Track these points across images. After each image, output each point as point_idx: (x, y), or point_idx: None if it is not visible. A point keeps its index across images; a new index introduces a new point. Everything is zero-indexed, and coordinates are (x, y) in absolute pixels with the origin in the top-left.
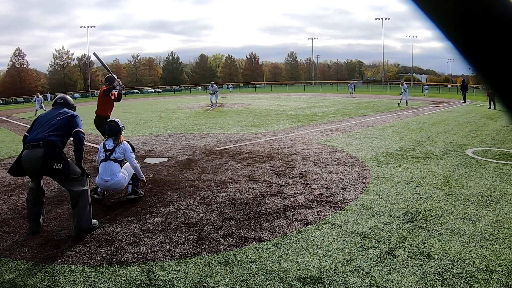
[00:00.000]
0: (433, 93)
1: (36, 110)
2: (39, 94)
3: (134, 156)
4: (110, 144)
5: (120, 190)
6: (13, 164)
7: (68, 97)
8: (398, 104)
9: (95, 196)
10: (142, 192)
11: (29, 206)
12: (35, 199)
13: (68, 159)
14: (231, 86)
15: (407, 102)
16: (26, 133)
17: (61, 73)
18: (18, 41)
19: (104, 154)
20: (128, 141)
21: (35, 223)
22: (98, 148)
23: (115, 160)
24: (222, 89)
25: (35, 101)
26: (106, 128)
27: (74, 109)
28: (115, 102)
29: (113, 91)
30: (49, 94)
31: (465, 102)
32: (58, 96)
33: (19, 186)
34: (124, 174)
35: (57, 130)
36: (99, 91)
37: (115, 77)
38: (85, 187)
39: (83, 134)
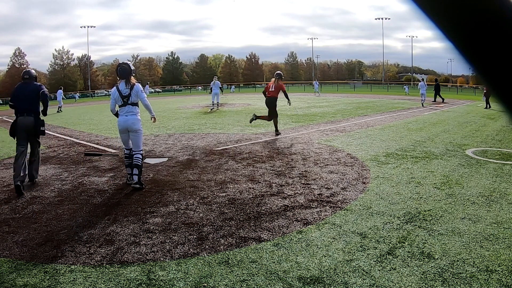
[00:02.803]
0: (433, 93)
1: (60, 106)
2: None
3: (146, 96)
4: (124, 90)
5: (133, 129)
6: (11, 128)
7: (31, 71)
8: (422, 105)
9: (128, 182)
10: (144, 185)
11: (16, 162)
12: (21, 157)
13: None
14: (232, 86)
15: (423, 101)
16: (10, 102)
17: (61, 73)
18: (18, 41)
19: (122, 101)
20: (139, 82)
21: (19, 175)
22: (98, 148)
23: (132, 104)
24: (223, 89)
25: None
26: (118, 69)
27: (35, 78)
28: None
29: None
30: (60, 91)
31: (443, 101)
32: (24, 72)
33: None
34: (140, 121)
35: (36, 102)
36: (271, 83)
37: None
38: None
39: (47, 91)
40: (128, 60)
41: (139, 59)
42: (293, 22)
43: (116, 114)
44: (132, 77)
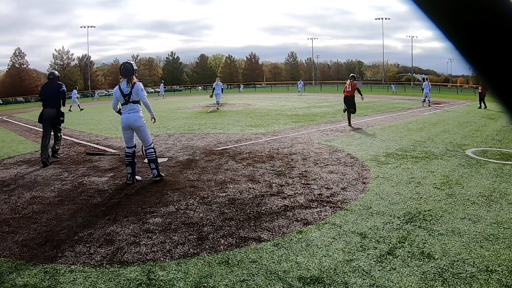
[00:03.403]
0: (433, 93)
1: (78, 104)
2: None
3: (146, 95)
4: (126, 88)
5: (136, 126)
6: (39, 116)
7: (55, 72)
8: (429, 105)
9: (128, 182)
10: (164, 175)
11: (42, 143)
12: (45, 138)
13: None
14: (241, 86)
15: (424, 101)
16: (39, 97)
17: (61, 73)
18: (18, 41)
19: (123, 99)
20: (140, 81)
21: (45, 154)
22: (98, 148)
23: (134, 102)
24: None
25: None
26: (121, 68)
27: (58, 77)
28: None
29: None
30: (75, 91)
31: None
32: (49, 73)
33: (19, 186)
34: (143, 118)
35: (58, 98)
36: (347, 83)
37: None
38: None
39: (65, 89)
40: (131, 60)
41: (139, 59)
42: (293, 22)
43: (119, 112)
44: (134, 76)
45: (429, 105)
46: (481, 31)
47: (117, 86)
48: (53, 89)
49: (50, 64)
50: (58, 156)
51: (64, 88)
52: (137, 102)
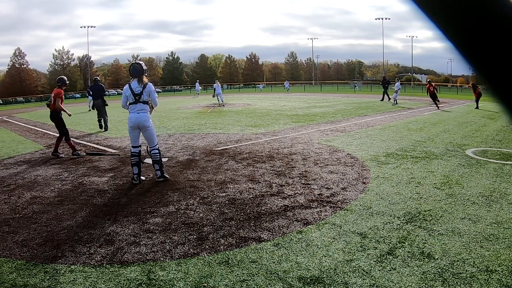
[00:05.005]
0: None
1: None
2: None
3: (157, 96)
4: (137, 88)
5: (144, 126)
6: (92, 105)
7: (97, 77)
8: (393, 104)
9: (134, 182)
10: (168, 176)
11: (98, 120)
12: (99, 117)
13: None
14: (261, 85)
15: (395, 100)
16: (89, 89)
17: (61, 73)
18: (18, 41)
19: (133, 98)
20: (151, 81)
21: (100, 125)
22: (98, 148)
23: (143, 102)
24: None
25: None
26: (130, 68)
27: (100, 81)
28: None
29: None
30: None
31: (386, 99)
32: (94, 77)
33: (19, 186)
34: (151, 119)
35: (102, 93)
36: (429, 86)
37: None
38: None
39: (106, 91)
40: (131, 60)
41: (139, 59)
42: (294, 22)
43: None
44: (144, 76)
45: (396, 102)
46: (481, 31)
47: (127, 85)
48: (98, 88)
49: (50, 64)
50: (106, 128)
51: (105, 92)
52: (146, 102)
